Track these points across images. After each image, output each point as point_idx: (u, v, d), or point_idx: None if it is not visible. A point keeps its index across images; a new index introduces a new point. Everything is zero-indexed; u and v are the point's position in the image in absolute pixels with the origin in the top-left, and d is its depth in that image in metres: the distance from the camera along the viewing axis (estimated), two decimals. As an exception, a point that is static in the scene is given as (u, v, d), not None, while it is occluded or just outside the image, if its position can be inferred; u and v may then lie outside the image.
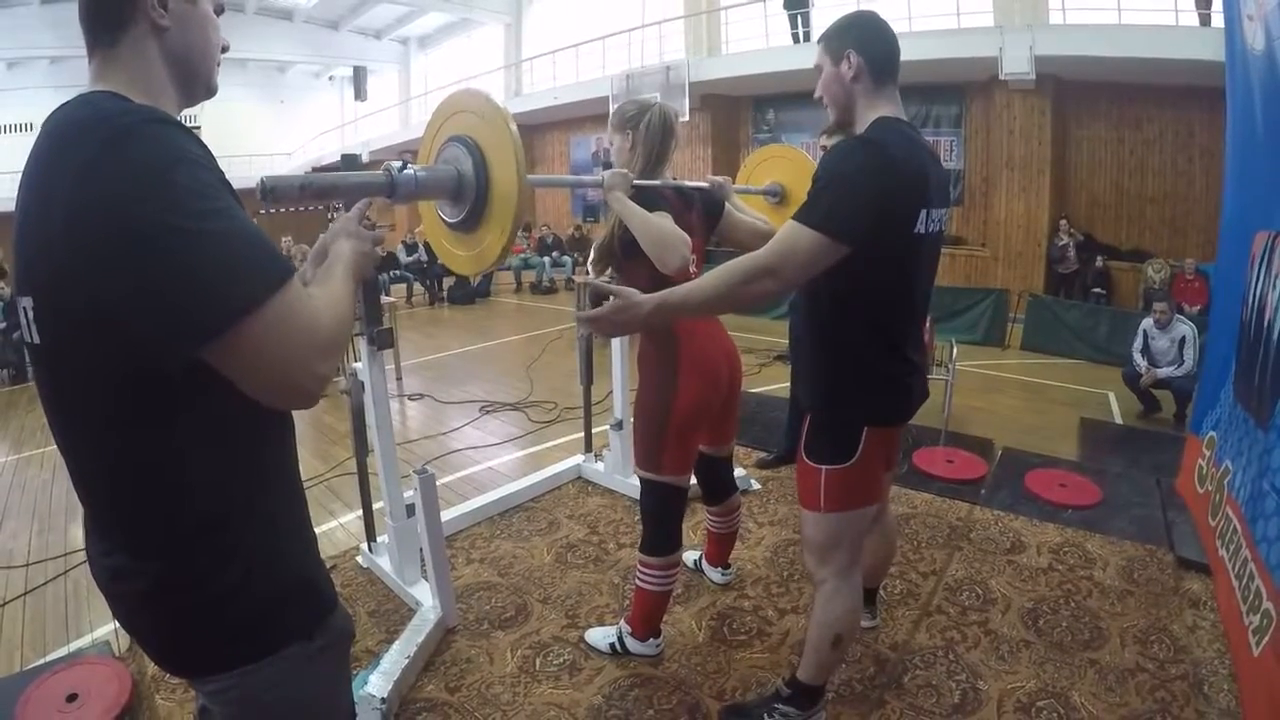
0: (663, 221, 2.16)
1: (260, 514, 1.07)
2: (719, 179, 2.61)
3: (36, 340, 0.97)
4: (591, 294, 2.00)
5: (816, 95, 1.94)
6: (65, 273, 0.88)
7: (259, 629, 1.06)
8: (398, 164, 1.64)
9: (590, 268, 2.17)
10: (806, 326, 2.01)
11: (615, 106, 2.56)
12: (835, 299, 1.86)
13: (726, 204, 2.59)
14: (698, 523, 3.44)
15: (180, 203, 0.86)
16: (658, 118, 2.42)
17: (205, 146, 0.94)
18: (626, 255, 2.29)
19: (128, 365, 0.92)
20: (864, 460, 1.94)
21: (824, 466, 1.97)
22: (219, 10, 1.12)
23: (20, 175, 0.96)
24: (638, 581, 2.54)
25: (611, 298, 1.71)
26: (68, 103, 0.96)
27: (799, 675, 2.18)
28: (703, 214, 2.51)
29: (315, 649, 1.12)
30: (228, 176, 0.95)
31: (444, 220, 1.94)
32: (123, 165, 0.86)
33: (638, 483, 2.55)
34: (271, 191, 1.45)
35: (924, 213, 1.76)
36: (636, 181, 2.31)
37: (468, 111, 1.83)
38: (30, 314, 0.96)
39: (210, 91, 1.14)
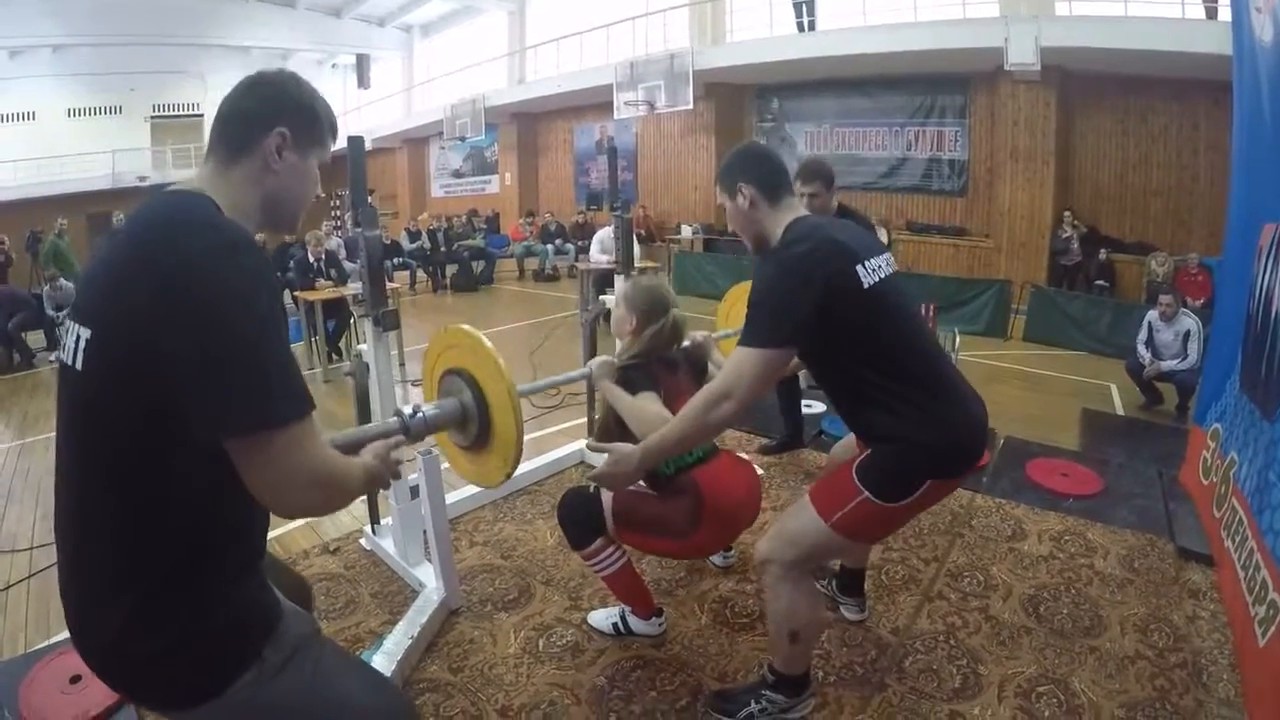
0: (645, 406, 2.29)
1: (220, 555, 1.15)
2: (699, 336, 2.73)
3: (78, 366, 1.07)
4: (594, 281, 2.14)
5: (730, 229, 2.13)
6: (141, 330, 1.01)
7: (212, 667, 1.14)
8: (408, 410, 1.76)
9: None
10: (845, 400, 2.03)
11: (634, 278, 2.73)
12: (853, 373, 1.92)
13: (709, 362, 2.71)
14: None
15: (254, 320, 1.02)
16: (670, 328, 2.54)
17: (276, 276, 1.14)
18: (625, 430, 2.34)
19: (148, 418, 1.03)
20: (908, 507, 1.95)
21: (867, 493, 1.91)
22: (323, 164, 1.31)
23: (122, 226, 1.14)
24: (595, 572, 2.59)
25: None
26: (182, 193, 1.15)
27: (775, 666, 2.20)
28: (689, 374, 2.61)
29: (273, 667, 1.17)
30: None
31: (454, 441, 2.06)
32: (222, 271, 1.01)
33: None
34: None
35: (860, 268, 1.85)
36: (621, 364, 2.46)
37: (458, 349, 1.98)
38: (81, 342, 1.07)
39: (292, 230, 1.36)
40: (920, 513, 2.07)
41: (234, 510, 1.12)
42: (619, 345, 2.64)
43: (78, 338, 1.07)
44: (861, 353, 1.88)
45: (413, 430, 1.74)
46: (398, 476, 1.47)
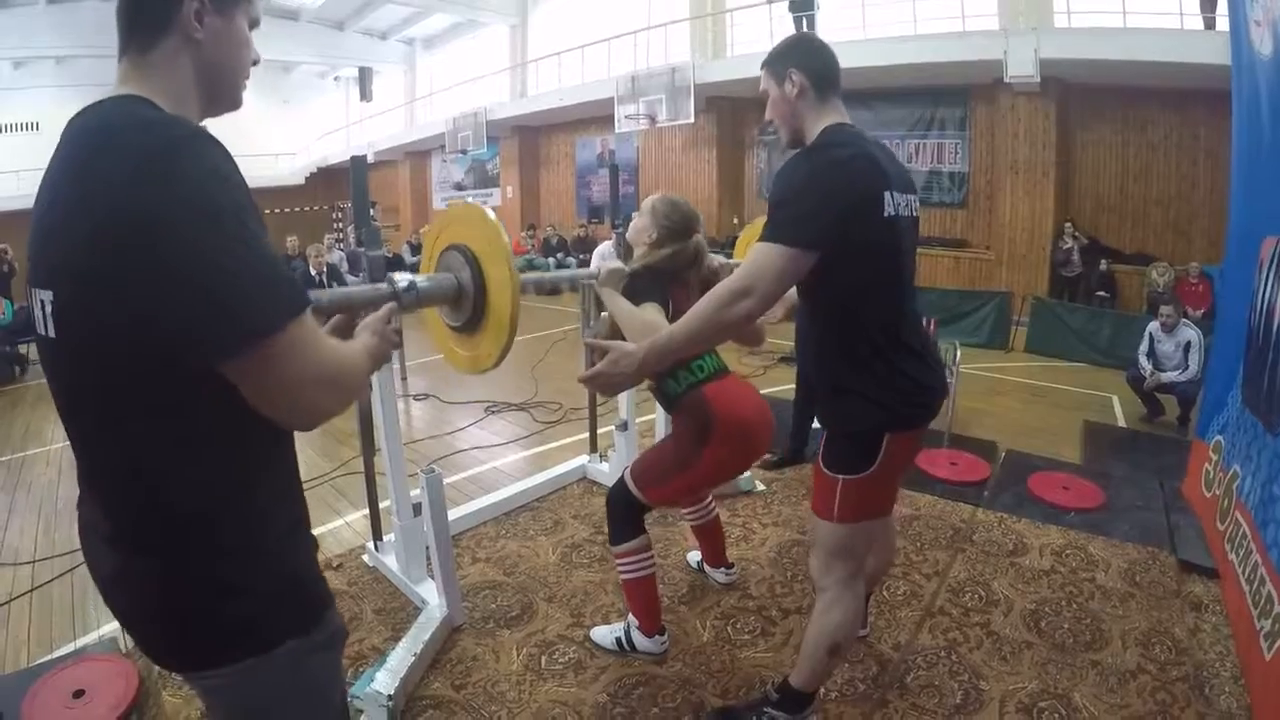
0: (648, 316, 2.22)
1: (259, 514, 1.10)
2: (715, 261, 2.67)
3: (52, 334, 0.98)
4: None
5: (767, 119, 2.00)
6: (97, 272, 0.90)
7: (254, 627, 1.08)
8: (405, 279, 1.70)
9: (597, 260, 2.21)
10: (814, 339, 2.02)
11: (661, 195, 2.59)
12: (834, 304, 1.88)
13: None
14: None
15: (221, 225, 0.90)
16: (692, 250, 2.50)
17: (237, 166, 0.96)
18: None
19: (144, 365, 0.94)
20: (883, 469, 1.94)
21: (841, 476, 1.95)
22: (254, 25, 1.15)
23: (46, 169, 0.98)
24: (620, 575, 2.60)
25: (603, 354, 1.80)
26: (100, 105, 0.98)
27: (792, 681, 2.19)
28: (701, 294, 2.53)
29: (311, 645, 1.14)
30: None
31: (445, 322, 2.00)
32: (169, 180, 0.88)
33: None
34: None
35: (887, 195, 1.79)
36: (631, 269, 2.39)
37: (459, 222, 1.88)
38: (48, 307, 0.97)
39: (235, 105, 1.17)
40: (901, 467, 2.04)
41: (257, 454, 1.08)
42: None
43: (42, 304, 0.97)
44: (854, 289, 1.82)
45: (402, 300, 1.67)
46: (399, 345, 1.39)
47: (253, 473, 1.09)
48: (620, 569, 2.58)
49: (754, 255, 1.74)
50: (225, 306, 0.89)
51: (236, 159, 0.97)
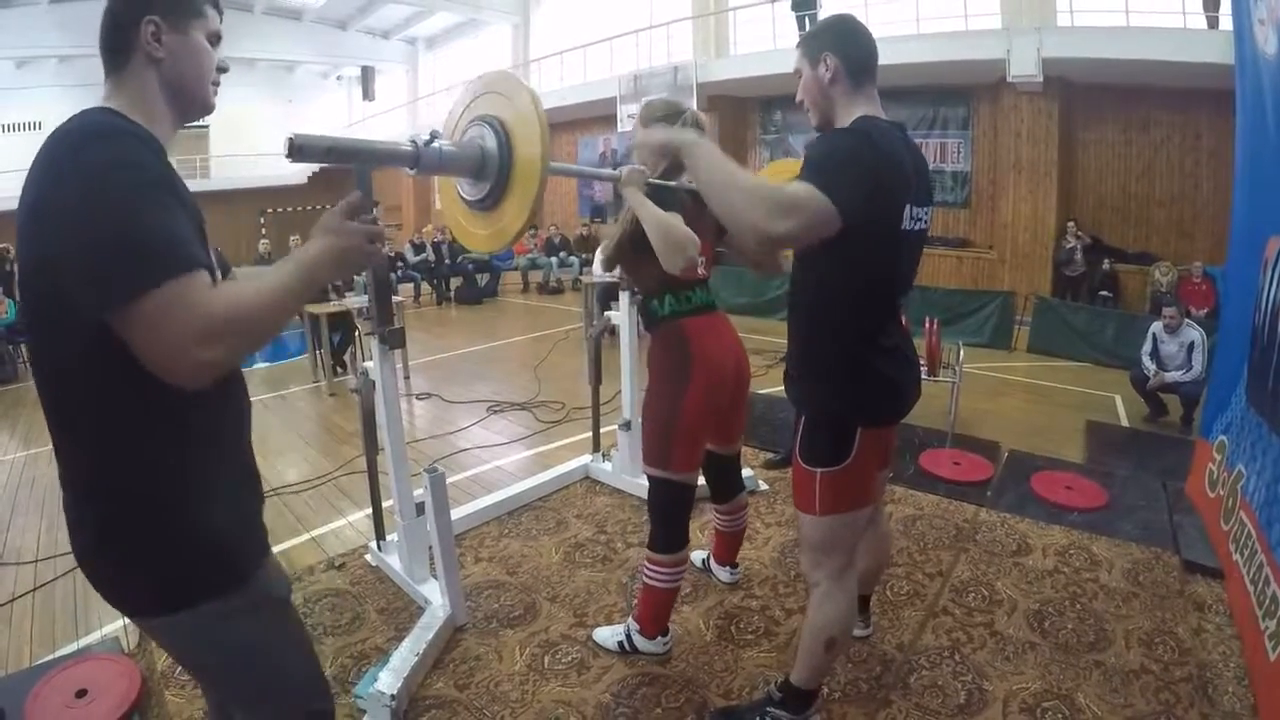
0: (673, 219, 2.19)
1: (176, 475, 1.19)
2: None
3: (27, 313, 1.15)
4: (599, 294, 2.05)
5: (797, 99, 1.96)
6: (30, 253, 1.08)
7: (166, 586, 1.19)
8: (425, 136, 1.68)
9: (599, 264, 2.19)
10: (794, 330, 2.02)
11: (646, 99, 2.56)
12: (821, 297, 1.87)
13: None
14: (705, 523, 3.45)
15: (117, 199, 1.01)
16: (690, 125, 2.42)
17: (158, 156, 1.11)
18: (637, 251, 2.31)
19: (63, 331, 1.08)
20: (858, 462, 1.94)
21: (818, 469, 1.96)
22: (214, 40, 1.28)
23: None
24: (645, 579, 2.56)
25: None
26: (82, 113, 1.12)
27: (792, 679, 2.19)
28: (714, 223, 2.51)
29: (233, 609, 1.22)
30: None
31: (464, 199, 1.97)
32: (77, 165, 1.03)
33: (645, 482, 2.57)
34: (300, 150, 1.52)
35: (908, 208, 1.78)
36: (652, 180, 2.34)
37: (494, 93, 1.86)
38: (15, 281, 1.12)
39: (206, 110, 1.31)
40: (876, 458, 2.02)
41: (173, 416, 1.15)
42: (624, 344, 2.51)
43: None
44: (844, 286, 1.80)
45: (423, 160, 1.66)
46: (380, 238, 1.28)
47: (170, 434, 1.17)
48: (649, 575, 2.54)
49: (802, 189, 1.61)
50: (108, 264, 1.00)
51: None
